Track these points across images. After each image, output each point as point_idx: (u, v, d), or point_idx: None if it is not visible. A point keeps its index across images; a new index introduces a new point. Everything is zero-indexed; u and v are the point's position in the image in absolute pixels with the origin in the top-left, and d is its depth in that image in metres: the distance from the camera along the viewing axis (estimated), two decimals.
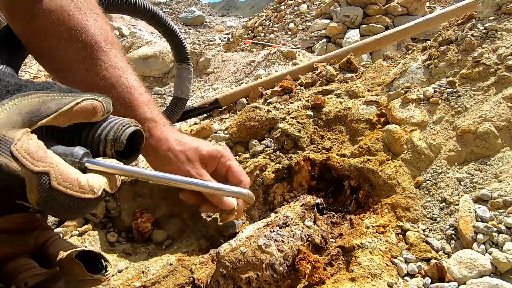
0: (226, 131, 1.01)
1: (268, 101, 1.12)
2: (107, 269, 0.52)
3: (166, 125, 0.67)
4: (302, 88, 1.13)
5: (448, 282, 0.51)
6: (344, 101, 0.93)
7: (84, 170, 0.34)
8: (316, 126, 0.90)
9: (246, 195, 0.48)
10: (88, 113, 0.35)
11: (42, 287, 0.46)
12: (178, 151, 0.64)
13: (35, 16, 0.57)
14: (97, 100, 0.36)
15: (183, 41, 1.22)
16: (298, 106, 0.93)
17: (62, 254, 0.54)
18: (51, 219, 0.70)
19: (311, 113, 0.91)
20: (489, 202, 0.58)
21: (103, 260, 0.53)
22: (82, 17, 0.62)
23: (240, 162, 0.85)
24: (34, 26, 0.58)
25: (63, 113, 0.33)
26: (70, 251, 0.54)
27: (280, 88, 1.14)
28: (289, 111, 0.93)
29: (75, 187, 0.31)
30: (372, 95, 0.91)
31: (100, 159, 0.36)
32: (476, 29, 0.80)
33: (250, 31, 6.21)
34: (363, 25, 4.32)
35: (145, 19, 1.09)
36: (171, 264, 0.61)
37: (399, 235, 0.61)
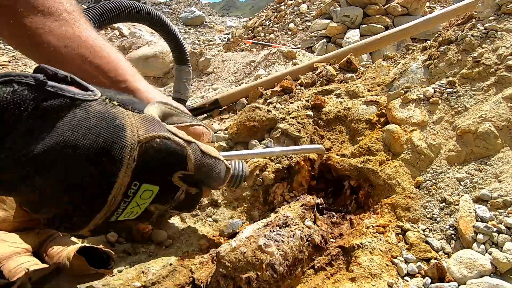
0: (226, 131, 1.01)
1: (268, 101, 1.12)
2: (109, 263, 0.52)
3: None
4: (302, 88, 1.13)
5: (448, 282, 0.51)
6: (344, 101, 0.93)
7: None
8: (316, 126, 0.90)
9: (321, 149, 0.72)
10: (197, 135, 0.45)
11: (45, 282, 0.46)
12: None
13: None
14: (206, 128, 0.46)
15: (183, 43, 1.22)
16: (298, 106, 0.93)
17: (64, 250, 0.54)
18: None
19: (311, 113, 0.91)
20: (489, 202, 0.58)
21: (104, 255, 0.53)
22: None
23: None
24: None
25: (181, 127, 0.41)
26: (72, 246, 0.54)
27: (280, 88, 1.14)
28: (289, 111, 0.92)
29: (212, 151, 0.41)
30: (372, 95, 0.91)
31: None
32: (476, 29, 0.80)
33: (250, 31, 6.21)
34: (363, 25, 4.31)
35: (146, 23, 1.09)
36: (171, 264, 0.61)
37: (399, 235, 0.61)
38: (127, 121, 0.33)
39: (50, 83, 0.29)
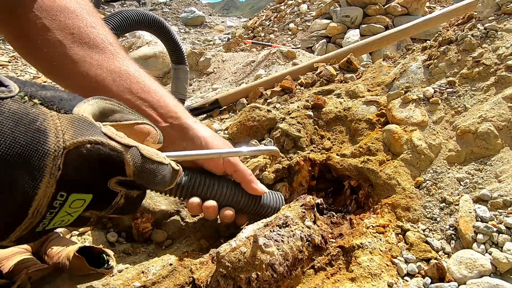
0: (226, 131, 1.01)
1: (268, 101, 1.12)
2: (109, 263, 0.52)
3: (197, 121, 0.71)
4: (302, 88, 1.13)
5: (448, 282, 0.51)
6: (344, 101, 0.93)
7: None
8: (316, 126, 0.90)
9: (275, 150, 0.72)
10: (142, 135, 0.39)
11: (45, 282, 0.46)
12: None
13: (32, 15, 0.57)
14: (154, 128, 0.41)
15: (179, 42, 1.23)
16: (298, 106, 0.93)
17: (64, 250, 0.54)
18: None
19: (311, 113, 0.91)
20: (489, 202, 0.58)
21: (104, 255, 0.53)
22: (91, 18, 0.62)
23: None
24: (32, 24, 0.57)
25: (124, 125, 0.37)
26: (72, 246, 0.54)
27: (280, 88, 1.14)
28: (289, 111, 0.92)
29: (155, 155, 0.37)
30: (372, 95, 0.91)
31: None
32: (476, 29, 0.80)
33: (250, 31, 6.20)
34: (363, 25, 4.31)
35: (147, 29, 1.10)
36: (171, 264, 0.61)
37: (399, 235, 0.61)
38: (50, 123, 0.29)
39: None
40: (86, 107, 0.32)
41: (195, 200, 0.62)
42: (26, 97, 0.28)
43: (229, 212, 0.65)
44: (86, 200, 0.32)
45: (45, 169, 0.28)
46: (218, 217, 0.66)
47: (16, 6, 0.55)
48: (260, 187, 0.67)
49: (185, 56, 1.29)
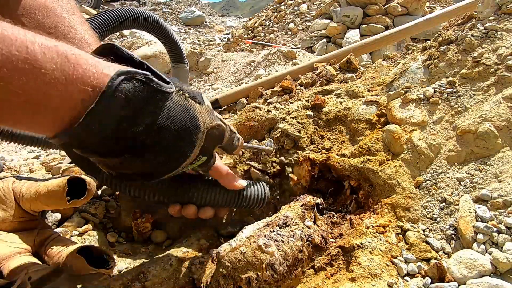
0: None
1: (268, 101, 1.12)
2: (109, 263, 0.52)
3: None
4: (302, 88, 1.13)
5: (448, 282, 0.51)
6: (344, 101, 0.93)
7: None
8: (316, 126, 0.90)
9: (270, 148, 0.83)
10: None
11: (45, 282, 0.47)
12: None
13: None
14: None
15: (178, 41, 1.22)
16: (298, 106, 0.93)
17: (64, 250, 0.54)
18: (51, 220, 0.70)
19: (311, 113, 0.91)
20: (489, 202, 0.58)
21: (104, 255, 0.53)
22: (70, 16, 0.62)
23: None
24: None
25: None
26: (72, 246, 0.54)
27: (280, 88, 1.14)
28: (289, 111, 0.92)
29: (234, 128, 0.57)
30: (372, 95, 0.91)
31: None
32: (476, 29, 0.80)
33: (250, 31, 6.20)
34: (363, 25, 4.31)
35: (143, 28, 1.09)
36: (171, 265, 0.61)
37: (399, 235, 0.61)
38: (197, 112, 0.44)
39: (154, 80, 0.37)
40: (207, 100, 0.49)
41: (176, 206, 0.66)
42: (180, 92, 0.42)
43: (208, 212, 0.67)
44: (203, 160, 0.49)
45: (197, 140, 0.44)
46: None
47: (2, 5, 0.55)
48: (239, 183, 0.67)
49: (185, 55, 1.28)
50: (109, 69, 0.35)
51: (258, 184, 0.71)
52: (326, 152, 0.83)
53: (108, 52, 0.40)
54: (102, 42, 0.56)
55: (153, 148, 0.39)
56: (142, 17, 1.06)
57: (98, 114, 0.33)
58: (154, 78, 0.37)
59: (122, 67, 0.36)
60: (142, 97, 0.36)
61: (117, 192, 0.81)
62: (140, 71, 0.36)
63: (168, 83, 0.40)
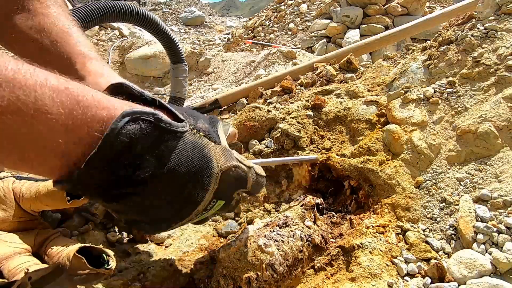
0: None
1: (268, 101, 1.12)
2: (109, 263, 0.52)
3: None
4: (302, 88, 1.13)
5: (448, 282, 0.51)
6: (344, 101, 0.93)
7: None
8: (316, 126, 0.90)
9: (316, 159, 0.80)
10: (234, 137, 0.57)
11: (45, 282, 0.47)
12: None
13: None
14: (234, 128, 0.56)
15: (176, 41, 1.22)
16: (298, 106, 0.93)
17: (64, 250, 0.54)
18: (51, 220, 0.70)
19: (311, 113, 0.91)
20: (489, 202, 0.58)
21: (104, 255, 0.53)
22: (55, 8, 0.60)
23: None
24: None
25: (229, 136, 0.54)
26: (72, 246, 0.54)
27: (280, 88, 1.14)
28: (289, 111, 0.92)
29: (262, 172, 0.50)
30: (372, 95, 0.91)
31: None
32: (476, 29, 0.80)
33: (250, 31, 6.20)
34: (363, 25, 4.31)
35: (136, 22, 1.09)
36: (171, 265, 0.61)
37: (399, 235, 0.61)
38: (212, 152, 0.40)
39: (164, 119, 0.35)
40: (223, 136, 0.46)
41: None
42: (194, 130, 0.40)
43: None
44: (221, 204, 0.44)
45: (210, 184, 0.40)
46: None
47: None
48: None
49: (183, 55, 1.28)
50: (116, 110, 0.32)
51: None
52: (326, 152, 0.83)
53: (118, 91, 0.39)
54: (112, 81, 0.53)
55: (161, 194, 0.37)
56: (128, 11, 1.05)
57: (101, 159, 0.31)
58: (164, 117, 0.35)
59: (129, 107, 0.33)
60: (149, 139, 0.34)
61: None
62: (148, 110, 0.34)
63: (181, 120, 0.37)
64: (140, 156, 0.33)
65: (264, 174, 0.51)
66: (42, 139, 0.29)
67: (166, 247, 0.72)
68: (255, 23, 6.32)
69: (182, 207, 0.39)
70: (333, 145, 0.86)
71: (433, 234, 0.60)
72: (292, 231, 0.57)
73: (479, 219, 0.57)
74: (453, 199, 0.62)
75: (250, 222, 0.77)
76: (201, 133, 0.40)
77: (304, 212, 0.61)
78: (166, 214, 0.39)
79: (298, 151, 0.85)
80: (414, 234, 0.60)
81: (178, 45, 1.23)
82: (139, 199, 0.36)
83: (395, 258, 0.57)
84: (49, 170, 0.32)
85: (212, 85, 2.18)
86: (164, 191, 0.36)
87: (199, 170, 0.38)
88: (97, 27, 3.51)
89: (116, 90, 0.39)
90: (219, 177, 0.40)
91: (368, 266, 0.55)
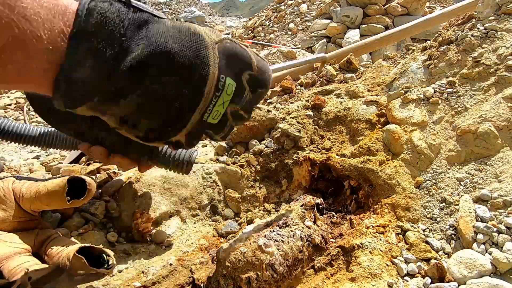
0: None
1: (268, 101, 1.12)
2: (109, 263, 0.52)
3: None
4: (302, 88, 1.13)
5: (448, 282, 0.51)
6: (344, 101, 0.93)
7: None
8: (316, 126, 0.90)
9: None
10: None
11: (45, 282, 0.46)
12: None
13: None
14: None
15: None
16: (298, 106, 0.93)
17: (64, 250, 0.54)
18: (51, 220, 0.70)
19: (311, 113, 0.91)
20: (489, 202, 0.58)
21: (104, 255, 0.53)
22: None
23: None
24: None
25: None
26: (72, 246, 0.54)
27: (280, 88, 1.14)
28: (289, 111, 0.92)
29: (261, 55, 0.45)
30: (372, 95, 0.91)
31: None
32: (476, 29, 0.80)
33: (250, 31, 6.20)
34: (363, 25, 4.32)
35: None
36: (171, 264, 0.61)
37: (399, 235, 0.61)
38: (199, 30, 0.37)
39: (137, 2, 0.32)
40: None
41: (85, 145, 0.62)
42: (174, 18, 0.38)
43: (117, 157, 0.64)
44: (234, 87, 0.39)
45: (209, 56, 0.36)
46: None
47: None
48: None
49: None
50: None
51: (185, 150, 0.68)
52: (326, 152, 0.83)
53: None
54: None
55: (163, 82, 0.34)
56: None
57: (80, 39, 0.29)
58: (137, 2, 0.33)
59: None
60: (123, 15, 0.31)
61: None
62: None
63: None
64: (122, 36, 0.31)
65: (268, 65, 0.46)
66: (28, 37, 0.28)
67: (166, 247, 0.72)
68: (255, 23, 6.32)
69: (191, 89, 0.35)
70: (333, 145, 0.86)
71: (433, 234, 0.60)
72: (292, 231, 0.57)
73: (479, 219, 0.57)
74: (453, 199, 0.62)
75: (250, 222, 0.77)
76: (182, 19, 0.37)
77: (304, 212, 0.61)
78: (178, 101, 0.35)
79: (298, 151, 0.85)
80: (414, 234, 0.60)
81: None
82: (140, 92, 0.33)
83: (395, 258, 0.57)
84: (39, 76, 0.30)
85: None
86: (164, 74, 0.34)
87: (193, 46, 0.35)
88: None
89: None
90: (215, 48, 0.37)
91: (368, 266, 0.55)
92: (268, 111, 0.93)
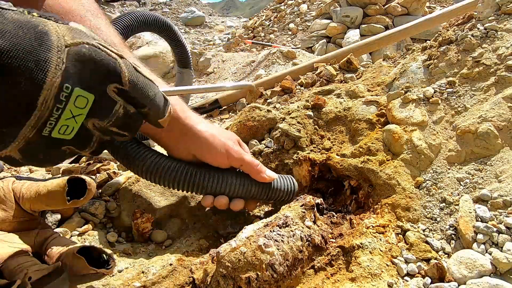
0: None
1: (268, 101, 1.12)
2: (109, 263, 0.52)
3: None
4: (302, 88, 1.13)
5: (448, 282, 0.51)
6: (344, 101, 0.93)
7: None
8: (316, 126, 0.90)
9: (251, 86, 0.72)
10: None
11: (45, 282, 0.46)
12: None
13: None
14: None
15: (186, 46, 1.26)
16: (298, 106, 0.93)
17: (64, 250, 0.54)
18: (51, 220, 0.70)
19: (311, 113, 0.91)
20: (489, 202, 0.58)
21: (104, 255, 0.53)
22: (95, 19, 0.62)
23: None
24: None
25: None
26: (72, 246, 0.54)
27: (280, 88, 1.14)
28: (289, 111, 0.93)
29: (147, 73, 0.40)
30: (372, 95, 0.91)
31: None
32: (476, 29, 0.80)
33: (250, 31, 6.20)
34: (363, 25, 4.31)
35: (156, 31, 1.12)
36: (171, 264, 0.61)
37: (399, 235, 0.61)
38: (50, 27, 0.30)
39: None
40: (82, 25, 0.34)
41: (209, 198, 0.67)
42: (25, 11, 0.29)
43: (239, 203, 0.68)
44: (89, 100, 0.33)
45: (50, 60, 0.30)
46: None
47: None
48: (269, 175, 0.69)
49: (191, 61, 1.31)
50: None
51: (286, 177, 0.75)
52: (326, 152, 0.83)
53: None
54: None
55: None
56: (159, 22, 1.10)
57: None
58: None
59: None
60: None
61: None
62: None
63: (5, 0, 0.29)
64: None
65: (153, 79, 0.39)
66: None
67: (166, 247, 0.72)
68: (255, 23, 6.32)
69: (20, 98, 0.29)
70: (333, 145, 0.86)
71: (433, 234, 0.60)
72: (292, 231, 0.57)
73: (479, 219, 0.57)
74: (453, 199, 0.62)
75: (250, 222, 0.77)
76: (35, 14, 0.30)
77: (304, 212, 0.61)
78: (2, 111, 0.29)
79: (298, 151, 0.85)
80: (414, 234, 0.60)
81: (188, 50, 1.27)
82: None
83: (395, 258, 0.57)
84: None
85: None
86: None
87: (29, 45, 0.28)
88: None
89: None
90: (64, 51, 0.31)
91: (368, 266, 0.55)
92: (268, 111, 0.93)
